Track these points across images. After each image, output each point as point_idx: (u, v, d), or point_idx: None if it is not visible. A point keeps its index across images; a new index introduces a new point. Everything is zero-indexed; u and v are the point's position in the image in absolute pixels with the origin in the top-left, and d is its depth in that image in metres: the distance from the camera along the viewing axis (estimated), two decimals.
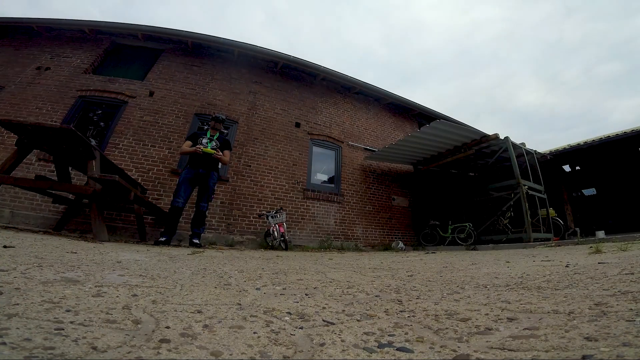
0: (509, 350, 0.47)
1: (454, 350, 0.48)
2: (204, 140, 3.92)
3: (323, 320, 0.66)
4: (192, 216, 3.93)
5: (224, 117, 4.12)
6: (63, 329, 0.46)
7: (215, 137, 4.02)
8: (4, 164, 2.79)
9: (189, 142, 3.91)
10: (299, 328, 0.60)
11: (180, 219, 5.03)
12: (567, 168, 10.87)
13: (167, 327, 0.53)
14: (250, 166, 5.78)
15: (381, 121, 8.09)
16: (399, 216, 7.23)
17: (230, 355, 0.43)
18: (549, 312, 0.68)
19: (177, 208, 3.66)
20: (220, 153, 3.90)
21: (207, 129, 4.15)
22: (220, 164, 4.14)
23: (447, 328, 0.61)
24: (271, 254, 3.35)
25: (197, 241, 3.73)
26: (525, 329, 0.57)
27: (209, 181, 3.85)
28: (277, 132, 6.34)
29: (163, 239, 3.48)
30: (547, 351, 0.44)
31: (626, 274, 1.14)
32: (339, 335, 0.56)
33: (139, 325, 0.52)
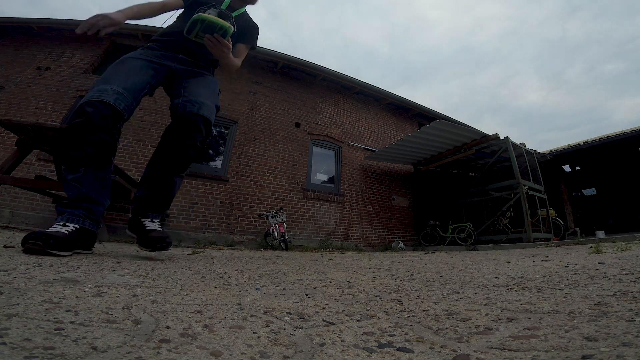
0: (509, 350, 0.47)
1: (454, 350, 0.48)
2: (211, 12, 1.50)
3: (323, 320, 0.66)
4: (145, 189, 1.70)
5: None
6: (63, 329, 0.46)
7: (235, 13, 1.74)
8: (4, 164, 2.79)
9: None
10: (299, 328, 0.60)
11: (180, 218, 5.06)
12: (567, 168, 10.88)
13: (167, 327, 0.53)
14: (250, 166, 5.78)
15: (381, 121, 8.09)
16: (399, 216, 7.23)
17: (230, 355, 0.43)
18: (549, 312, 0.68)
19: (107, 105, 1.33)
20: (230, 44, 1.51)
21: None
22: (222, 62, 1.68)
23: (447, 328, 0.61)
24: (271, 254, 3.35)
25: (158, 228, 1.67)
26: (525, 329, 0.57)
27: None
28: (277, 132, 6.34)
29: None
30: (547, 351, 0.44)
31: (626, 274, 1.14)
32: (339, 335, 0.56)
33: (139, 325, 0.52)
